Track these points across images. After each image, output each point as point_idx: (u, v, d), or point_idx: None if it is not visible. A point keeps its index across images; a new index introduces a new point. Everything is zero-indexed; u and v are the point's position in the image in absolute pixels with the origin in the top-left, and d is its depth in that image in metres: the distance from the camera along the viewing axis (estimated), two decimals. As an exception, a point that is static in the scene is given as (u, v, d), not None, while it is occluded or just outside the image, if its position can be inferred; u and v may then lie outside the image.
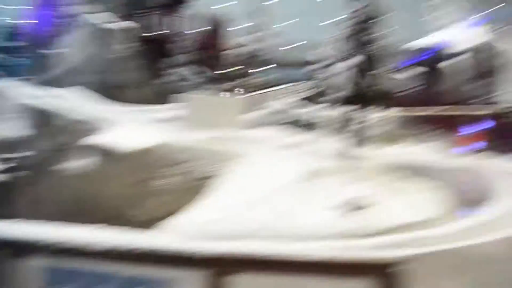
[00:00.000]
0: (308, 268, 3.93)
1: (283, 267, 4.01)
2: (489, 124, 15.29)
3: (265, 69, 17.87)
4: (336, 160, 8.71)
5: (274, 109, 15.71)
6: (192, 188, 8.53)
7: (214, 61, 29.21)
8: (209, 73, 27.92)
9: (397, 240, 5.02)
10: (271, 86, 23.79)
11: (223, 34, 29.19)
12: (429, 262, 4.05)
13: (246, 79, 22.95)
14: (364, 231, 6.11)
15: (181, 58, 17.66)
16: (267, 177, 7.64)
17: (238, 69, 26.18)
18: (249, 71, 18.85)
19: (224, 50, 27.26)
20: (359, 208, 6.61)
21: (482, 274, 4.12)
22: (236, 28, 30.46)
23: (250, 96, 17.97)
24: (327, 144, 13.97)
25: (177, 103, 13.08)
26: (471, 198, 9.41)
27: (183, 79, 17.64)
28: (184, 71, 17.76)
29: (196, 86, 18.42)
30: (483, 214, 5.83)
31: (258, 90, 20.54)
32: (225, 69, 30.70)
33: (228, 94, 20.79)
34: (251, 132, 13.25)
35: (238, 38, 17.69)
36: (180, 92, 14.39)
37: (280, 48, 30.60)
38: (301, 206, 6.67)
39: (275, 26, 39.43)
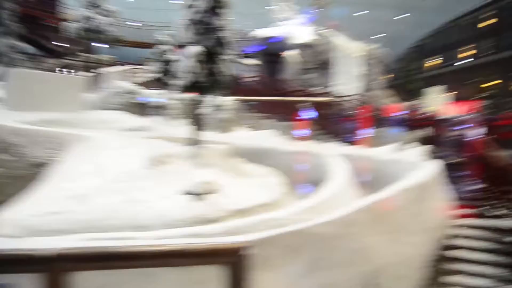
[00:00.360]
0: (157, 259, 3.71)
1: (130, 260, 3.70)
2: (315, 112, 16.78)
3: (109, 46, 16.66)
4: (182, 146, 8.57)
5: (117, 90, 14.80)
6: (23, 176, 7.55)
7: (48, 33, 26.33)
8: (42, 46, 25.05)
9: (244, 224, 5.14)
10: (115, 65, 22.43)
11: (57, 3, 26.49)
12: (273, 244, 4.22)
13: (86, 56, 21.20)
14: (212, 216, 6.14)
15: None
16: (111, 163, 7.13)
17: (77, 44, 24.05)
18: (90, 47, 17.38)
19: (60, 21, 24.76)
20: (205, 193, 6.60)
21: (318, 251, 4.46)
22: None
23: (91, 74, 16.64)
24: (172, 129, 13.81)
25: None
26: (307, 180, 10.27)
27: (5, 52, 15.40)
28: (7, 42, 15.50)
29: (24, 61, 16.30)
30: (318, 196, 6.33)
31: (100, 68, 19.11)
32: (62, 43, 27.94)
33: (66, 71, 18.95)
34: (93, 114, 12.32)
35: (78, 10, 16.10)
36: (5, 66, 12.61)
37: (128, 26, 29.07)
38: (147, 193, 6.38)
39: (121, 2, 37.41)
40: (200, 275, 3.74)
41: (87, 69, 19.90)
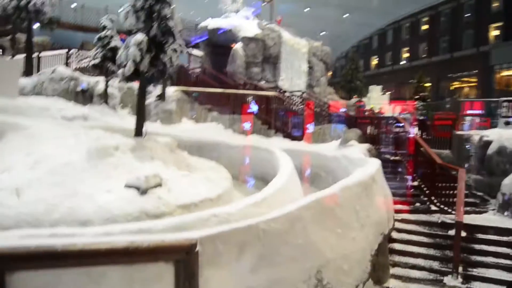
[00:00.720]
0: (100, 258, 3.52)
1: (70, 259, 3.50)
2: (260, 106, 16.90)
3: (44, 28, 15.67)
4: (124, 137, 8.28)
5: (54, 75, 14.02)
6: None
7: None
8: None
9: (190, 219, 5.05)
10: (51, 49, 21.23)
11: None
12: (221, 240, 4.18)
13: (18, 37, 19.85)
14: (156, 211, 5.99)
15: None
16: (48, 154, 6.75)
17: (7, 24, 22.47)
18: (23, 28, 16.26)
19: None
20: (150, 187, 6.42)
21: (265, 248, 4.48)
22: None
23: (23, 57, 15.60)
24: (115, 119, 13.35)
25: None
26: (252, 174, 10.32)
27: None
28: None
29: None
30: (264, 191, 6.35)
31: (36, 51, 17.98)
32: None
33: (-1, 53, 17.67)
34: (28, 100, 11.60)
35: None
36: None
37: (67, 7, 27.56)
38: (87, 186, 6.10)
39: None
40: (147, 273, 3.62)
41: (18, 51, 18.67)
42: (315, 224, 5.17)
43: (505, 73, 35.56)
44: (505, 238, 8.16)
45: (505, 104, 12.25)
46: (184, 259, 3.79)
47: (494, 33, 39.27)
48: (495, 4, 39.30)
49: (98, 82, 15.11)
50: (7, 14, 14.87)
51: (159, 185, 6.61)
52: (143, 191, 6.28)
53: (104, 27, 13.69)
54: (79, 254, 3.44)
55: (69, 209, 5.50)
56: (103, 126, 10.23)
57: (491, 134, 10.99)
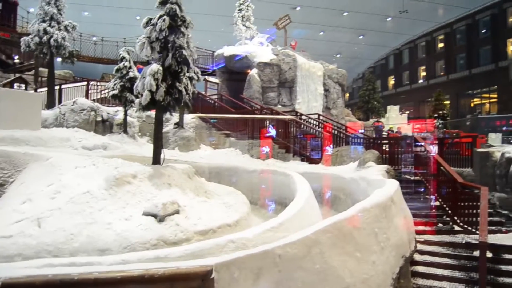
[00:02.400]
0: (115, 286, 3.56)
1: (89, 287, 3.54)
2: (277, 130, 16.98)
3: (65, 61, 16.20)
4: (143, 165, 8.39)
5: (75, 106, 14.39)
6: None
7: (1, 46, 25.41)
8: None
9: (207, 245, 5.04)
10: (72, 81, 21.88)
11: (13, 15, 25.65)
12: (237, 266, 4.15)
13: (41, 70, 20.56)
14: (174, 238, 6.01)
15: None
16: (68, 184, 6.88)
17: (31, 58, 23.31)
18: (45, 62, 16.85)
19: (14, 34, 23.96)
20: (167, 214, 6.46)
21: (281, 273, 4.42)
22: (29, 12, 27.17)
23: (48, 90, 16.11)
24: (133, 147, 13.56)
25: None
26: (271, 199, 10.28)
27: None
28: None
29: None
30: (282, 216, 6.32)
31: (58, 84, 18.56)
32: (16, 57, 27.02)
33: (23, 86, 18.28)
34: (49, 132, 11.91)
35: (34, 24, 15.61)
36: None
37: (86, 41, 28.50)
38: (106, 215, 6.18)
39: (85, 14, 36.78)
40: (163, 302, 3.61)
41: (41, 84, 19.30)
42: (333, 248, 5.09)
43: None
44: (533, 258, 7.89)
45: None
46: (200, 286, 3.77)
47: (512, 48, 38.94)
48: (512, 19, 39.11)
49: (117, 112, 15.45)
50: (30, 50, 15.47)
51: (177, 212, 6.65)
52: (160, 219, 6.33)
53: (122, 59, 14.07)
54: (95, 283, 3.46)
55: (88, 237, 5.57)
56: (122, 155, 10.39)
57: (512, 150, 10.78)
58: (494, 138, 21.51)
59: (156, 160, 8.67)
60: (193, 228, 6.30)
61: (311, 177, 9.95)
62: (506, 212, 10.22)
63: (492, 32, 40.74)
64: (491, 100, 41.21)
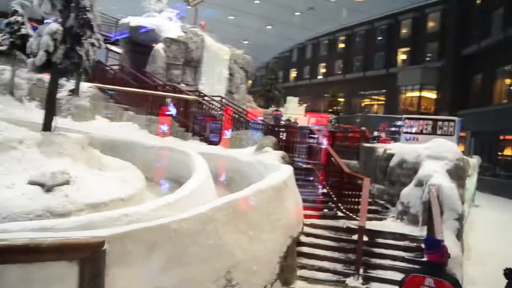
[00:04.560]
0: (0, 255, 3.29)
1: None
2: (178, 109, 16.77)
3: None
4: (31, 131, 7.78)
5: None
6: None
7: None
8: None
9: (99, 218, 4.88)
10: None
11: None
12: (130, 239, 4.08)
13: None
14: (63, 209, 5.71)
15: None
16: None
17: None
18: None
19: None
20: (56, 184, 6.10)
21: (175, 248, 4.45)
22: None
23: None
24: (21, 111, 12.46)
25: None
26: (167, 176, 10.18)
27: None
28: None
29: None
30: (177, 192, 6.32)
31: None
32: None
33: None
34: None
35: None
36: None
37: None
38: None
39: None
40: (48, 273, 3.43)
41: None
42: (228, 226, 5.24)
43: (409, 94, 38.78)
44: (401, 243, 8.86)
45: (406, 121, 13.33)
46: (89, 257, 3.65)
47: (402, 57, 42.77)
48: (404, 31, 42.87)
49: (3, 71, 13.98)
50: None
51: (67, 182, 6.30)
52: (48, 188, 5.96)
53: (14, 12, 12.73)
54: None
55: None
56: (7, 118, 9.48)
57: (393, 147, 11.89)
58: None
59: (47, 127, 8.08)
60: (84, 200, 6.04)
61: (209, 157, 10.03)
62: (382, 202, 11.29)
63: (387, 40, 44.29)
64: (380, 102, 44.98)
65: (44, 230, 4.23)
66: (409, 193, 10.12)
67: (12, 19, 12.68)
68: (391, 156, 11.41)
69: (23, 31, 12.67)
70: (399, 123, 18.99)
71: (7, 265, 3.29)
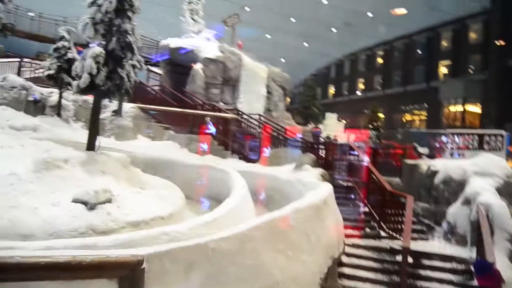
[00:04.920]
0: (39, 272, 3.34)
1: (6, 272, 3.31)
2: (217, 127, 16.94)
3: (0, 35, 15.11)
4: (76, 150, 8.02)
5: (7, 83, 13.48)
6: None
7: None
8: None
9: (139, 236, 4.93)
10: (5, 57, 20.45)
11: None
12: (168, 258, 4.09)
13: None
14: (104, 227, 5.80)
15: None
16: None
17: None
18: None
19: None
20: (99, 202, 6.23)
21: (213, 267, 4.42)
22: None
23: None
24: (66, 132, 12.93)
25: None
26: (206, 194, 10.22)
27: None
28: None
29: None
30: (216, 211, 6.31)
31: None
32: None
33: None
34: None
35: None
36: None
37: (22, 15, 26.73)
38: (32, 199, 5.84)
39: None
40: (89, 290, 3.48)
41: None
42: (266, 245, 5.16)
43: (452, 108, 37.57)
44: (448, 265, 8.46)
45: (451, 136, 12.87)
46: (129, 276, 3.68)
47: (443, 70, 41.66)
48: (444, 43, 41.85)
49: (51, 94, 14.64)
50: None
51: (109, 200, 6.43)
52: (91, 206, 6.09)
53: (61, 38, 13.37)
54: (17, 268, 3.25)
55: (10, 222, 5.24)
56: (53, 138, 9.88)
57: (437, 164, 11.48)
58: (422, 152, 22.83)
59: (90, 146, 8.33)
60: (125, 218, 6.12)
61: (248, 176, 10.00)
62: (427, 221, 10.87)
63: (427, 53, 43.35)
64: (421, 117, 43.80)
65: (86, 247, 4.30)
66: (456, 212, 9.70)
67: (59, 44, 13.31)
68: (435, 173, 11.02)
69: (69, 55, 13.25)
70: (443, 138, 18.38)
71: (49, 281, 3.35)
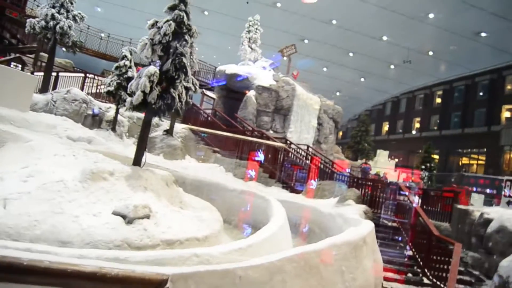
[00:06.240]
0: (65, 279, 3.39)
1: (38, 275, 3.38)
2: (265, 155, 16.93)
3: (70, 51, 16.15)
4: (123, 164, 8.26)
5: (70, 96, 14.27)
6: None
7: (7, 25, 25.32)
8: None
9: (170, 255, 4.92)
10: (72, 72, 21.81)
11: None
12: (195, 280, 4.03)
13: (41, 55, 20.46)
14: (139, 242, 5.86)
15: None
16: (43, 170, 6.73)
17: (34, 41, 23.21)
18: (47, 47, 16.75)
19: (23, 15, 23.92)
20: (137, 217, 6.32)
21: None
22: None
23: (44, 75, 15.98)
24: (117, 146, 13.41)
25: None
26: (245, 221, 10.16)
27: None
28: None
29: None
30: (251, 238, 6.21)
31: (56, 71, 18.43)
32: (20, 37, 26.91)
33: (19, 67, 18.15)
34: (39, 116, 11.73)
35: (43, 7, 15.57)
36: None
37: (92, 35, 28.52)
38: (75, 207, 6.03)
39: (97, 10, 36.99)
40: (111, 303, 3.47)
41: (40, 69, 19.15)
42: (297, 280, 4.98)
43: (514, 155, 35.60)
44: (496, 324, 7.82)
45: (508, 183, 12.10)
46: (153, 294, 3.65)
47: (506, 114, 39.68)
48: (509, 87, 40.00)
49: (109, 109, 15.35)
50: (34, 33, 15.39)
51: (147, 216, 6.51)
52: (129, 220, 6.18)
53: (123, 57, 14.07)
54: (44, 272, 3.31)
55: (52, 227, 5.41)
56: (104, 151, 10.25)
57: (492, 212, 10.79)
58: (477, 199, 21.63)
59: (137, 161, 8.54)
60: (161, 236, 6.16)
61: (290, 206, 9.85)
62: (477, 272, 10.18)
63: (489, 95, 41.58)
64: (479, 162, 41.70)
65: (118, 260, 4.33)
66: (510, 266, 9.00)
67: (121, 63, 14.00)
68: (489, 221, 10.36)
69: (129, 74, 13.90)
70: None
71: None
